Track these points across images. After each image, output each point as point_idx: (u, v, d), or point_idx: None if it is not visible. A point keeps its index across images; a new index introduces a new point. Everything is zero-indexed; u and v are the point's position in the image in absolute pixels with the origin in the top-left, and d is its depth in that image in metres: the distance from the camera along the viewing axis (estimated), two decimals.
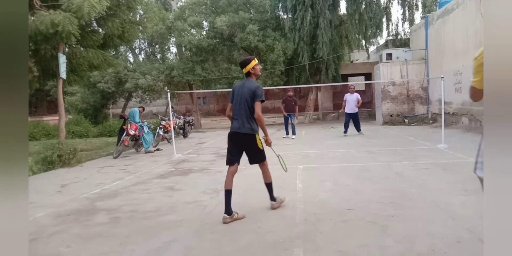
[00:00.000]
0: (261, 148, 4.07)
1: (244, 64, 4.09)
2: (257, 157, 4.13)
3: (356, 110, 11.96)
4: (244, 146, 4.06)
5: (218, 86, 18.54)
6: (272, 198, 4.32)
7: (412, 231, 3.37)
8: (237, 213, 3.95)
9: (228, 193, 3.93)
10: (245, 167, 7.11)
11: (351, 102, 11.85)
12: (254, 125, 3.98)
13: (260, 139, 4.04)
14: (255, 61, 4.09)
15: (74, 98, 21.64)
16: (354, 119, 12.03)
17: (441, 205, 4.10)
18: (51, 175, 7.48)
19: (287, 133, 12.68)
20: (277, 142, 9.70)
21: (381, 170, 6.28)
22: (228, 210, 3.89)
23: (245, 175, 6.40)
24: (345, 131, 12.16)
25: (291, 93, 12.59)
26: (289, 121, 12.46)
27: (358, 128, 12.13)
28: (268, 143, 4.13)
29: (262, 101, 3.91)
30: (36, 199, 5.29)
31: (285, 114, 12.35)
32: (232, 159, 4.07)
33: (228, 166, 4.10)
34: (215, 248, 3.22)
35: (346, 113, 12.14)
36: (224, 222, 3.83)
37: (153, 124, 11.72)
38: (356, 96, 11.89)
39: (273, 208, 4.30)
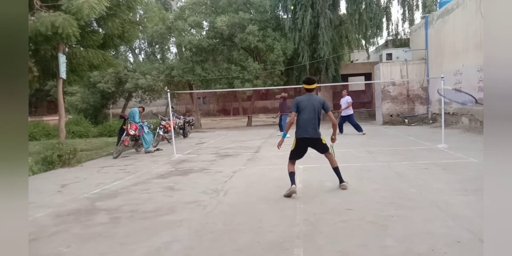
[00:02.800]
0: (325, 143, 5.02)
1: (313, 82, 5.04)
2: (324, 149, 5.04)
3: (349, 112, 12.29)
4: (312, 146, 5.01)
5: (218, 86, 18.52)
6: (341, 180, 5.08)
7: (412, 231, 3.37)
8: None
9: (292, 174, 4.90)
10: (245, 167, 7.14)
11: (343, 105, 12.40)
12: (319, 129, 4.98)
13: (323, 138, 4.99)
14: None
15: (74, 98, 21.63)
16: (349, 122, 12.38)
17: (441, 205, 4.10)
18: (51, 175, 7.48)
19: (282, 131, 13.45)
20: (277, 142, 9.66)
21: (381, 170, 6.28)
22: (293, 182, 4.84)
23: (245, 175, 6.41)
24: (341, 131, 12.44)
25: (285, 94, 13.58)
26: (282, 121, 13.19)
27: (358, 129, 12.28)
28: (333, 140, 5.19)
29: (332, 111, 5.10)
30: (36, 199, 5.29)
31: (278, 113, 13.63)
32: (297, 158, 5.07)
33: (290, 160, 5.04)
34: (215, 248, 3.22)
35: (341, 115, 12.67)
36: (291, 192, 4.74)
37: (153, 124, 11.72)
38: (346, 99, 12.35)
39: (343, 188, 5.01)
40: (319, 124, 4.96)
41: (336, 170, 5.06)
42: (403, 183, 5.27)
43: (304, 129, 4.86)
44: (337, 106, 18.78)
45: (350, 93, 13.09)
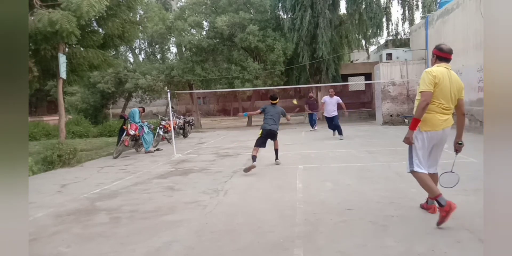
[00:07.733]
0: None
1: (276, 98, 7.34)
2: (275, 137, 7.15)
3: (334, 114, 11.23)
4: (271, 136, 6.99)
5: (218, 86, 18.51)
6: (277, 158, 7.34)
7: (412, 231, 3.37)
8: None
9: (254, 157, 6.60)
10: (245, 167, 7.13)
11: (330, 105, 11.28)
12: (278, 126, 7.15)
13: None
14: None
15: (74, 98, 21.63)
16: (334, 123, 11.23)
17: None
18: (51, 175, 7.48)
19: (313, 127, 14.91)
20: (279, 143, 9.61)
21: (381, 170, 6.28)
22: (254, 160, 6.52)
23: (245, 175, 6.41)
24: (334, 133, 11.53)
25: (312, 94, 15.62)
26: (313, 117, 14.92)
27: (339, 132, 11.18)
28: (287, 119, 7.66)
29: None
30: (36, 199, 5.29)
31: (309, 112, 14.83)
32: (262, 145, 6.92)
33: (256, 147, 6.82)
34: (215, 248, 3.22)
35: (325, 117, 11.65)
36: (251, 167, 6.39)
37: (153, 124, 11.72)
38: (337, 99, 11.36)
39: (276, 163, 7.21)
40: (278, 123, 7.05)
41: (276, 151, 7.30)
42: (403, 183, 5.26)
43: (270, 124, 6.92)
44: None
45: (350, 93, 12.94)
